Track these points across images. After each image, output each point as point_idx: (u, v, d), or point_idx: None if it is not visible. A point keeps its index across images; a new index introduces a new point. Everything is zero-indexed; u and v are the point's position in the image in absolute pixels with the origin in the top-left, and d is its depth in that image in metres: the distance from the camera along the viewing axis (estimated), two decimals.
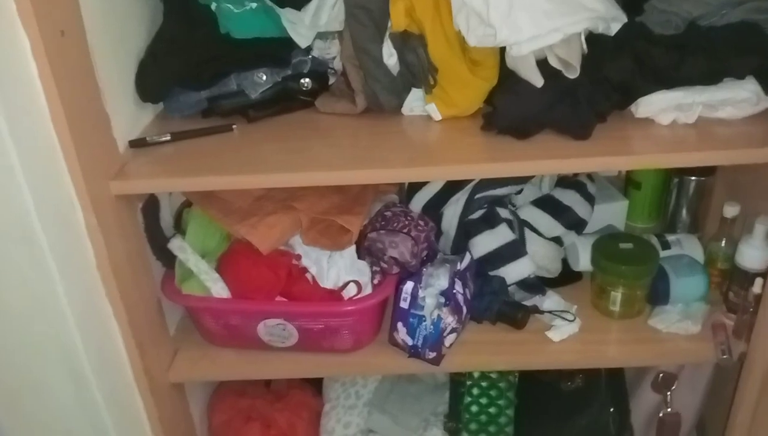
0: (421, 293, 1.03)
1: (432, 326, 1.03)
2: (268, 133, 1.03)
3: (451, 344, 1.06)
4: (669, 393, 1.15)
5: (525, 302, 1.16)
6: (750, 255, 1.05)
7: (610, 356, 1.08)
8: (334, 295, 1.04)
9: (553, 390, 1.23)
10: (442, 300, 1.02)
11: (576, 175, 1.25)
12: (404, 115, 1.06)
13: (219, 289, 1.04)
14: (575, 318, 1.12)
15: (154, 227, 1.06)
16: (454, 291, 1.02)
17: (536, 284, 1.17)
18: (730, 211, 1.13)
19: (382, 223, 1.10)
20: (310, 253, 1.07)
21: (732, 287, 1.09)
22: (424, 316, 1.03)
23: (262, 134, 1.03)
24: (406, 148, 0.98)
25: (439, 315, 1.02)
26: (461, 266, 1.05)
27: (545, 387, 1.23)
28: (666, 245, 1.21)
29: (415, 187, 1.19)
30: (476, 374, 1.22)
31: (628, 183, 1.39)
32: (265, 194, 1.08)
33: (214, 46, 1.02)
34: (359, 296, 1.04)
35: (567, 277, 1.22)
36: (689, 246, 1.21)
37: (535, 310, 1.14)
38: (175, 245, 1.04)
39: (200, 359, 1.12)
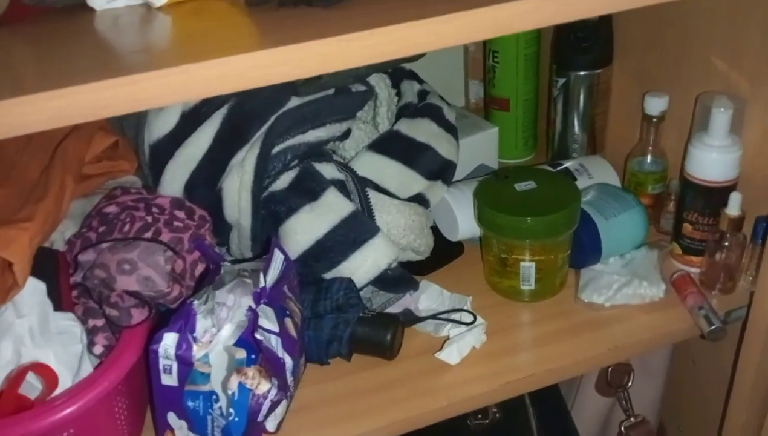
0: (196, 351, 0.51)
1: (233, 409, 0.52)
2: None
3: (280, 424, 0.56)
4: (625, 393, 0.76)
5: (390, 310, 0.70)
6: (711, 160, 0.67)
7: (543, 370, 0.65)
8: (7, 399, 0.48)
9: (456, 431, 0.78)
10: (242, 355, 0.51)
11: (425, 95, 0.81)
12: (98, 11, 0.54)
13: None
14: (476, 318, 0.68)
15: None
16: (259, 333, 0.51)
17: (403, 276, 0.71)
18: (656, 104, 0.75)
19: (101, 229, 0.57)
20: None
21: (687, 215, 0.71)
22: (213, 392, 0.52)
23: None
24: (114, 51, 0.46)
25: (241, 384, 0.51)
26: (268, 277, 0.55)
27: (443, 427, 0.78)
28: (569, 176, 0.82)
29: (162, 155, 0.66)
30: None
31: (489, 105, 0.99)
32: None
33: None
34: (60, 389, 0.50)
35: (442, 254, 0.78)
36: (599, 172, 0.83)
37: (413, 319, 0.68)
38: None
39: None
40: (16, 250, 0.46)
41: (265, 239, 0.67)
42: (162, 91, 0.40)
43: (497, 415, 0.77)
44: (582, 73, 0.84)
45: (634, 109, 0.81)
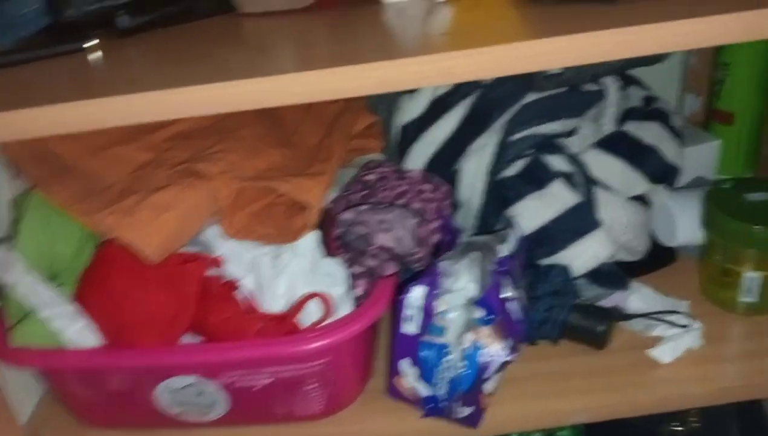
0: (438, 305, 0.58)
1: (464, 362, 0.58)
2: (155, 50, 0.58)
3: (494, 388, 0.61)
4: None
5: (601, 303, 0.72)
6: None
7: (762, 380, 0.64)
8: (286, 323, 0.58)
9: None
10: (480, 314, 0.57)
11: (651, 101, 0.82)
12: (387, 2, 0.62)
13: (78, 333, 0.58)
14: (693, 322, 0.68)
15: None
16: (502, 295, 0.57)
17: (616, 274, 0.73)
18: None
19: (364, 193, 0.65)
20: (240, 253, 0.61)
21: None
22: (446, 345, 0.59)
23: (144, 51, 0.58)
24: (400, 38, 0.53)
25: (475, 342, 0.57)
26: (507, 249, 0.60)
27: (635, 432, 0.79)
28: None
29: (410, 136, 0.74)
30: None
31: (711, 118, 0.96)
32: (153, 159, 0.62)
33: None
34: (330, 320, 0.59)
35: (654, 259, 0.78)
36: None
37: (625, 315, 0.70)
38: None
39: None
40: (314, 196, 0.56)
41: (490, 222, 0.72)
42: (471, 67, 0.46)
43: (695, 424, 0.76)
44: None
45: None
